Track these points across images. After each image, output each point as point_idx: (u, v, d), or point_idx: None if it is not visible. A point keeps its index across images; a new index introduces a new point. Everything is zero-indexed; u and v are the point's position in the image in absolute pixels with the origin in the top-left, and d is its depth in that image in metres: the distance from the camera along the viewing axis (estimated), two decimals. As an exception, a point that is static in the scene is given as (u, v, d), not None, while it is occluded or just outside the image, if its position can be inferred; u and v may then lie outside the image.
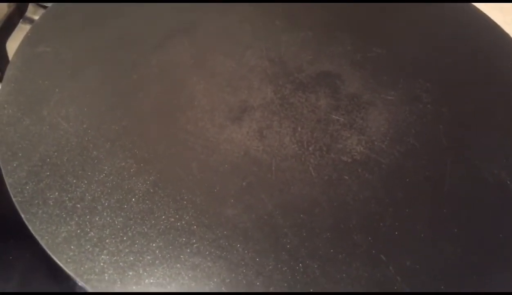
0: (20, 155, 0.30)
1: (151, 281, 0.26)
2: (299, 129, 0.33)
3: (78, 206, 0.28)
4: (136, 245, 0.27)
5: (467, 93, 0.36)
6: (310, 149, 0.32)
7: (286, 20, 0.40)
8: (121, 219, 0.28)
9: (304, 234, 0.28)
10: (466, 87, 0.37)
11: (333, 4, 0.42)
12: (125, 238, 0.27)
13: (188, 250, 0.27)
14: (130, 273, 0.26)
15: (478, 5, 0.44)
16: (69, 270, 0.26)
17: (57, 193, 0.29)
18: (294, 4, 0.42)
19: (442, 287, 0.27)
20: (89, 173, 0.30)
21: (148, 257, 0.27)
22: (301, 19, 0.41)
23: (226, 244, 0.27)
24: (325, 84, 0.36)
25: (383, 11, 0.43)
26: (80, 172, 0.30)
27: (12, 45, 0.40)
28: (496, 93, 0.37)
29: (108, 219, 0.28)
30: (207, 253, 0.27)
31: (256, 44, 0.38)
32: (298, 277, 0.26)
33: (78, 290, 0.34)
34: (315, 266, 0.27)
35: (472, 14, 0.43)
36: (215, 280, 0.26)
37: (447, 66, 0.38)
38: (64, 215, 0.28)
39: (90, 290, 0.25)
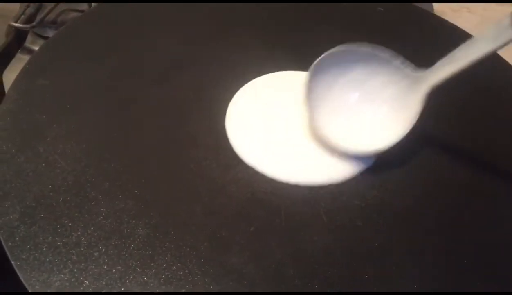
0: (13, 194, 0.28)
1: (151, 337, 0.24)
2: (309, 170, 0.32)
3: (73, 252, 0.26)
4: (135, 297, 0.25)
5: (482, 136, 0.35)
6: (321, 191, 0.30)
7: (291, 54, 0.39)
8: (119, 267, 0.26)
9: (317, 286, 0.26)
10: (482, 131, 0.35)
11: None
12: (123, 289, 0.25)
13: (192, 303, 0.25)
14: (128, 328, 0.24)
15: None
16: (61, 324, 0.24)
17: (50, 237, 0.27)
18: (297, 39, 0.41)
19: None
20: (85, 215, 0.28)
21: (148, 310, 0.25)
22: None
23: (232, 296, 0.25)
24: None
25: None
26: (76, 214, 0.28)
27: (10, 76, 0.38)
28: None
29: (105, 267, 0.26)
30: (211, 306, 0.25)
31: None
32: (310, 335, 0.24)
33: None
34: (329, 322, 0.25)
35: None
36: (221, 337, 0.24)
37: (461, 109, 0.37)
38: (57, 262, 0.26)
39: None
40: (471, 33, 0.42)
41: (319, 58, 0.31)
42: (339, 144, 0.31)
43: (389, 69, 0.31)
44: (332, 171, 0.31)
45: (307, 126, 0.33)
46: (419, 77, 0.30)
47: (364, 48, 0.31)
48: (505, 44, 0.25)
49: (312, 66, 0.31)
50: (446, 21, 0.46)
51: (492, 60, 0.39)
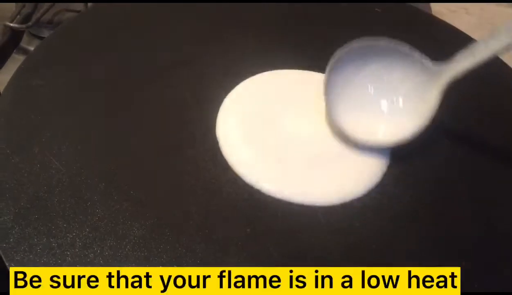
0: (7, 195, 0.28)
1: (146, 340, 0.23)
2: (306, 170, 0.31)
3: (68, 253, 0.26)
4: (130, 299, 0.25)
5: (484, 135, 0.35)
6: (318, 192, 0.30)
7: (292, 56, 0.39)
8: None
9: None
10: (484, 128, 0.35)
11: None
12: (118, 291, 0.25)
13: (187, 305, 0.25)
14: (123, 331, 0.24)
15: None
16: (55, 327, 0.23)
17: (45, 239, 0.26)
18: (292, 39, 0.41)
19: None
20: (80, 217, 0.27)
21: (143, 312, 0.24)
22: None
23: (229, 298, 0.25)
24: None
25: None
26: (71, 216, 0.27)
27: (5, 77, 0.38)
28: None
29: (100, 268, 0.25)
30: (208, 308, 0.25)
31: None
32: (307, 337, 0.24)
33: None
34: (326, 324, 0.24)
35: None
36: (217, 339, 0.24)
37: (462, 107, 0.37)
38: (52, 263, 0.25)
39: None
40: (468, 34, 0.42)
41: (338, 54, 0.31)
42: (357, 137, 0.31)
43: (407, 63, 0.31)
44: (328, 191, 0.30)
45: (326, 121, 0.33)
46: (437, 71, 0.30)
47: (382, 42, 0.31)
48: None
49: (331, 61, 0.32)
50: (444, 22, 0.45)
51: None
